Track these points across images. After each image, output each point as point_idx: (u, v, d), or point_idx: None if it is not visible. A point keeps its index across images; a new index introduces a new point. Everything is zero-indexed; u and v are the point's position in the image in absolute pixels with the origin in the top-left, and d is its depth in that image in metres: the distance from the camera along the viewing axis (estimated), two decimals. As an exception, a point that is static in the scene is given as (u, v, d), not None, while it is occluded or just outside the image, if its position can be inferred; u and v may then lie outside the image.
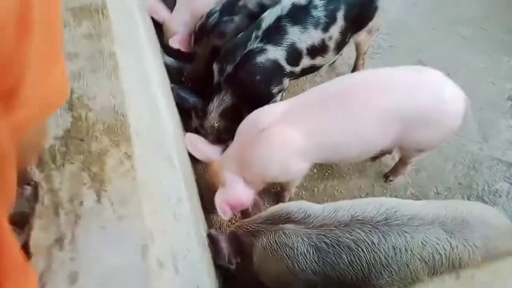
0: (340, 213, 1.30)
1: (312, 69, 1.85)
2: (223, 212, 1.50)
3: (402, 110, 1.46)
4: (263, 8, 1.85)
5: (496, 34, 2.64)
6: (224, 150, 1.69)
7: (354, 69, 2.39)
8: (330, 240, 1.25)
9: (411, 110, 1.46)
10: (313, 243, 1.27)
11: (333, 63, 2.38)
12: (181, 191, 1.05)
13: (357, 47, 2.16)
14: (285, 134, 1.49)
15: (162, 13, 2.00)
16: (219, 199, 1.51)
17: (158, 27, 2.05)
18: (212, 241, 1.45)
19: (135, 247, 0.51)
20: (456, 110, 1.50)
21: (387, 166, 2.10)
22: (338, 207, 1.33)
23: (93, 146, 0.59)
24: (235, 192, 1.53)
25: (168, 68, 1.98)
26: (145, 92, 0.93)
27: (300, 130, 1.49)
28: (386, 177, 2.06)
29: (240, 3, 1.85)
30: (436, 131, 1.55)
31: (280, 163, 1.53)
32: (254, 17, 1.84)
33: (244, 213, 1.59)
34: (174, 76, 2.08)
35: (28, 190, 0.57)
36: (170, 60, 1.97)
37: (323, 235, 1.27)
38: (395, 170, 2.01)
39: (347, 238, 1.24)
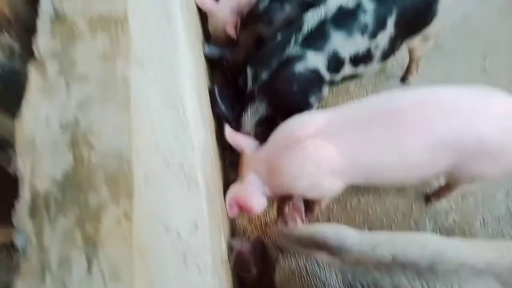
0: (379, 251, 1.16)
1: (354, 76, 1.68)
2: (230, 207, 1.46)
3: (461, 140, 1.27)
4: None
5: None
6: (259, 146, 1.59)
7: (407, 73, 2.18)
8: (367, 282, 1.13)
9: (472, 142, 1.27)
10: (347, 282, 1.16)
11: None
12: (201, 216, 0.97)
13: (410, 52, 1.95)
14: (322, 150, 1.36)
15: (209, 2, 1.88)
16: (230, 194, 1.46)
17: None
18: (232, 250, 1.40)
19: None
20: None
21: (429, 186, 1.92)
22: (377, 242, 1.19)
23: (91, 198, 0.50)
24: (248, 195, 1.44)
25: (209, 58, 1.88)
26: (169, 118, 0.83)
27: (339, 147, 1.35)
28: (428, 198, 1.89)
29: None
30: (498, 167, 1.35)
31: (311, 181, 1.40)
32: (306, 7, 1.68)
33: (280, 213, 1.50)
34: (215, 64, 1.99)
35: (21, 238, 0.51)
36: (210, 50, 1.86)
37: (360, 274, 1.15)
38: (438, 193, 1.83)
39: (386, 283, 1.11)
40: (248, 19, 1.74)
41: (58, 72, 0.60)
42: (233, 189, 1.48)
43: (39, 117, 0.58)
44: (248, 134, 1.64)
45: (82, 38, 0.62)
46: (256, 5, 1.71)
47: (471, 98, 1.32)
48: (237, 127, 1.63)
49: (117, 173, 0.52)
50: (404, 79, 2.21)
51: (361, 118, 1.36)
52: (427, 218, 1.86)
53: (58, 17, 0.64)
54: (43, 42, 0.63)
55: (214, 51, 1.85)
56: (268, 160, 1.47)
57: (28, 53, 0.84)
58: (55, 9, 0.65)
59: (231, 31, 1.79)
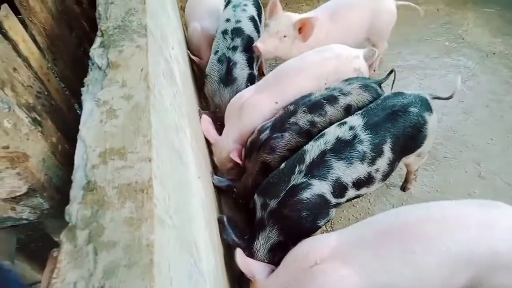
0: None
1: (359, 196, 1.75)
2: None
3: (475, 254, 1.28)
4: (313, 125, 1.85)
5: None
6: (272, 271, 1.56)
7: (405, 182, 2.26)
8: None
9: (486, 256, 1.28)
10: None
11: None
12: None
13: (407, 167, 2.06)
14: (340, 273, 1.34)
15: (214, 134, 2.07)
16: None
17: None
18: None
19: None
20: None
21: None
22: None
23: None
24: None
25: (217, 187, 1.98)
26: (184, 261, 0.87)
27: (356, 268, 1.34)
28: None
29: (291, 120, 1.86)
30: None
31: None
32: (304, 133, 1.84)
33: None
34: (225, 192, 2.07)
35: None
36: (218, 179, 1.96)
37: None
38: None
39: None
40: (252, 148, 1.89)
41: (87, 239, 0.66)
42: None
43: (68, 285, 0.62)
44: (262, 261, 1.64)
45: (111, 206, 0.69)
46: (258, 135, 1.88)
47: (477, 212, 1.36)
48: (250, 255, 1.63)
49: None
50: (404, 188, 2.28)
51: (374, 237, 1.38)
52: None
53: (89, 186, 0.73)
54: (74, 209, 0.70)
55: (222, 181, 1.95)
56: (285, 285, 1.43)
57: (56, 211, 0.92)
58: (87, 179, 0.74)
59: (236, 158, 1.92)
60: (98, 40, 1.09)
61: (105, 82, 0.94)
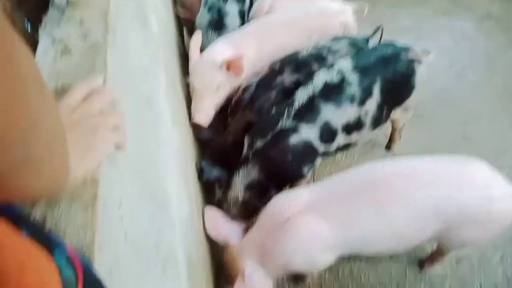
0: None
1: (347, 146, 1.75)
2: None
3: (442, 209, 1.31)
4: (299, 86, 1.81)
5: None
6: (245, 232, 1.54)
7: (390, 142, 2.27)
8: None
9: (453, 210, 1.30)
10: None
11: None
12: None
13: (393, 123, 2.05)
14: (312, 226, 1.37)
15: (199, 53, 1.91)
16: None
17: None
18: None
19: None
20: (507, 210, 1.32)
21: (423, 250, 1.88)
22: None
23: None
24: (255, 286, 1.37)
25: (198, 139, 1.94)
26: (145, 203, 0.88)
27: (328, 221, 1.36)
28: (421, 264, 1.85)
29: (278, 79, 1.80)
30: (483, 232, 1.37)
31: (306, 257, 1.40)
32: (290, 94, 1.80)
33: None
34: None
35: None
36: (202, 133, 1.89)
37: None
38: (431, 259, 1.80)
39: None
40: (237, 107, 1.83)
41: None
42: None
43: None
44: (236, 198, 1.64)
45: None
46: (242, 94, 1.82)
47: (448, 168, 1.37)
48: (227, 187, 1.65)
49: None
50: (388, 147, 2.28)
51: (346, 191, 1.40)
52: (422, 285, 1.80)
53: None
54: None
55: (205, 134, 1.89)
56: (259, 243, 1.43)
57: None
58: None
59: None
60: (59, -22, 1.04)
61: (63, 21, 0.91)
